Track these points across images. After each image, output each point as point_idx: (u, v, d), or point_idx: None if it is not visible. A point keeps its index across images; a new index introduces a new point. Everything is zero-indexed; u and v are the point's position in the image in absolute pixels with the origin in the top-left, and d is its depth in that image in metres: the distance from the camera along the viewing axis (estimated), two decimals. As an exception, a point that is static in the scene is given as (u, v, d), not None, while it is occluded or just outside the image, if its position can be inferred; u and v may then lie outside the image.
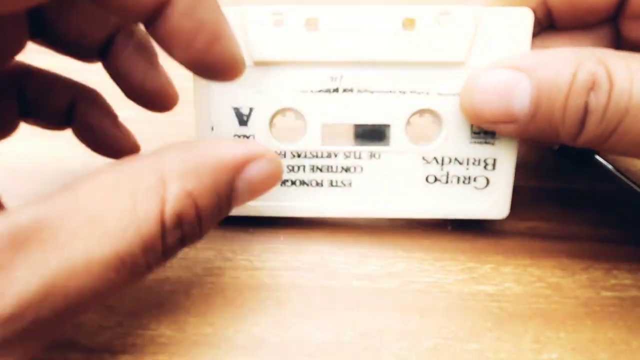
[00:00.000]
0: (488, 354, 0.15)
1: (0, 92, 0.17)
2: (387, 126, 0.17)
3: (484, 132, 0.17)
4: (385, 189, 0.18)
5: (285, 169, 0.18)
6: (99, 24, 0.17)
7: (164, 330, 0.15)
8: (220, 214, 0.13)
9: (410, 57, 0.16)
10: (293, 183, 0.18)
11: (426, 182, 0.18)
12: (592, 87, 0.14)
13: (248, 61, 0.16)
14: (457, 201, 0.18)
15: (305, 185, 0.18)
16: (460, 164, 0.17)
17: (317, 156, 0.18)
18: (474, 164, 0.17)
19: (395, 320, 0.16)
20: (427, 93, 0.17)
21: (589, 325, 0.16)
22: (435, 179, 0.18)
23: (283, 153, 0.18)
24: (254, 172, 0.13)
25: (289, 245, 0.18)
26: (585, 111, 0.14)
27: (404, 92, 0.17)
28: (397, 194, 0.18)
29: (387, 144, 0.17)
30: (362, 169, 0.18)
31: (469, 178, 0.18)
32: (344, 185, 0.18)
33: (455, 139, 0.17)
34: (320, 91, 0.17)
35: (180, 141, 0.13)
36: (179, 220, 0.12)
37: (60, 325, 0.12)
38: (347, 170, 0.18)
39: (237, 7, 0.15)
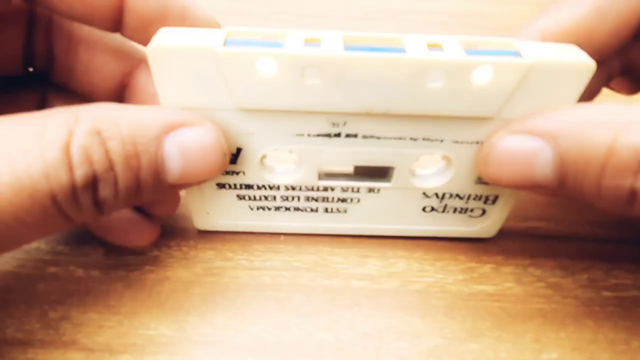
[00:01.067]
0: (488, 354, 0.15)
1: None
2: (392, 168, 0.16)
3: None
4: (381, 216, 0.18)
5: (279, 199, 0.17)
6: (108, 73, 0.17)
7: (164, 330, 0.15)
8: (143, 173, 0.12)
9: (431, 110, 0.14)
10: (287, 209, 0.18)
11: (422, 212, 0.18)
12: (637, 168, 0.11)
13: (230, 106, 0.14)
14: (449, 225, 0.18)
15: (299, 211, 0.18)
16: (461, 199, 0.17)
17: (313, 189, 0.17)
18: (474, 199, 0.17)
19: (395, 320, 0.16)
20: (442, 141, 0.15)
21: (589, 325, 0.16)
22: (432, 209, 0.17)
23: (277, 186, 0.16)
24: (186, 135, 0.13)
25: (289, 245, 0.18)
26: (633, 194, 0.11)
27: (415, 139, 0.15)
28: (391, 219, 0.18)
29: (389, 181, 0.16)
30: (359, 200, 0.17)
31: (467, 209, 0.17)
32: (339, 212, 0.18)
33: (461, 180, 0.16)
34: (318, 135, 0.15)
35: None
36: (86, 156, 0.11)
37: None
38: (343, 201, 0.17)
39: (209, 48, 0.12)
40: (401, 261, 0.18)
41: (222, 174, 0.16)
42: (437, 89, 0.13)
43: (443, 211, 0.17)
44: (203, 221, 0.18)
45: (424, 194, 0.17)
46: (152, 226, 0.17)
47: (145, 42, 0.14)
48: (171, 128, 0.13)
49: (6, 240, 0.11)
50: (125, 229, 0.17)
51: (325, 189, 0.17)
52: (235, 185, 0.16)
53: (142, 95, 0.16)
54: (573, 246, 0.18)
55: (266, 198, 0.17)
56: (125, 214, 0.17)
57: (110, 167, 0.12)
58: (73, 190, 0.11)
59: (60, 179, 0.11)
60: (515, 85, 0.13)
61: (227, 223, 0.18)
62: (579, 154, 0.12)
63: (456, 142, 0.15)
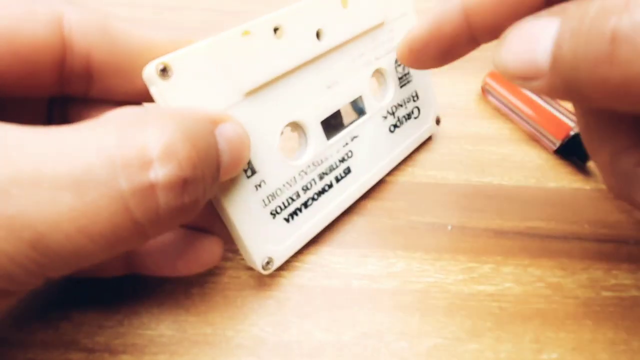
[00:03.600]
0: (488, 354, 0.15)
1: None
2: (360, 97, 0.19)
3: (403, 74, 0.21)
4: (372, 157, 0.20)
5: (302, 192, 0.17)
6: None
7: (164, 330, 0.15)
8: (215, 166, 0.12)
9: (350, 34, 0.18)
10: (312, 199, 0.18)
11: (390, 134, 0.21)
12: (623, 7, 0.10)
13: (237, 96, 0.15)
14: (410, 135, 0.22)
15: (321, 195, 0.18)
16: (401, 106, 0.21)
17: (321, 162, 0.18)
18: (407, 101, 0.21)
19: (395, 320, 0.16)
20: (376, 58, 0.19)
21: (589, 325, 0.16)
22: (395, 127, 0.21)
23: (294, 178, 0.17)
24: (228, 129, 0.13)
25: (289, 245, 0.18)
26: (614, 38, 0.10)
27: (358, 59, 0.19)
28: (378, 156, 0.20)
29: (365, 112, 0.19)
30: (351, 152, 0.19)
31: (410, 114, 0.21)
32: (346, 174, 0.19)
33: (394, 89, 0.21)
34: (313, 93, 0.17)
35: None
36: (173, 155, 0.11)
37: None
38: (343, 160, 0.19)
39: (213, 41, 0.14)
40: (401, 261, 0.18)
41: (247, 193, 0.15)
42: (349, 12, 0.18)
43: (400, 124, 0.21)
44: (258, 255, 0.16)
45: (384, 117, 0.20)
46: (214, 242, 0.16)
47: (90, 92, 0.14)
48: (216, 123, 0.13)
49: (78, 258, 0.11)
50: (179, 250, 0.15)
51: (327, 158, 0.18)
52: (264, 201, 0.16)
53: None
54: (573, 246, 0.18)
55: (292, 199, 0.17)
56: (174, 234, 0.15)
57: (195, 165, 0.11)
58: (154, 192, 0.11)
59: (141, 179, 0.10)
60: None
61: (277, 249, 0.17)
62: (578, 15, 0.11)
63: (377, 57, 0.19)
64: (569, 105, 0.23)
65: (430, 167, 0.22)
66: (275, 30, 0.15)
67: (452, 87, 0.27)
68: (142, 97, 0.14)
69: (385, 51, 0.20)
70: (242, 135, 0.14)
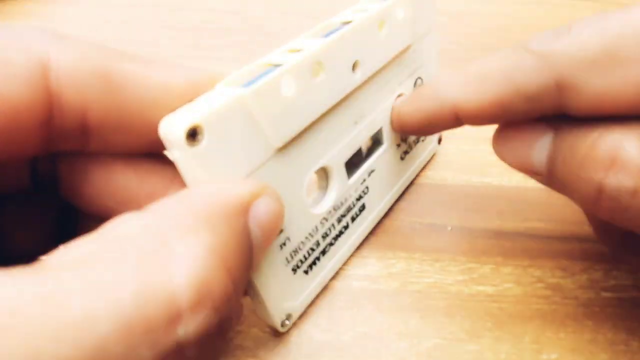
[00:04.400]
0: (488, 354, 0.15)
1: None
2: (380, 129, 0.18)
3: None
4: (384, 188, 0.19)
5: (321, 240, 0.16)
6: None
7: (164, 331, 0.15)
8: (248, 267, 0.11)
9: (385, 59, 0.17)
10: (330, 244, 0.16)
11: (401, 161, 0.20)
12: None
13: (268, 153, 0.13)
14: (418, 158, 0.21)
15: (338, 237, 0.17)
16: None
17: (340, 205, 0.16)
18: None
19: (395, 320, 0.16)
20: (400, 83, 0.18)
21: (589, 326, 0.16)
22: (406, 152, 0.20)
23: (315, 228, 0.15)
24: (261, 210, 0.11)
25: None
26: (599, 190, 0.12)
27: (384, 88, 0.17)
28: (389, 186, 0.19)
29: (383, 143, 0.18)
30: (367, 187, 0.18)
31: (419, 138, 0.20)
32: (361, 211, 0.18)
33: None
34: (340, 133, 0.16)
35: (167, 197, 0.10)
36: (203, 297, 0.08)
37: None
38: (359, 198, 0.17)
39: (237, 97, 0.11)
40: (401, 262, 0.18)
41: (272, 254, 0.14)
42: (384, 38, 0.16)
43: (410, 149, 0.20)
44: (278, 314, 0.15)
45: (398, 145, 0.19)
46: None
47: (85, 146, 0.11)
48: (249, 205, 0.11)
49: None
50: None
51: (346, 199, 0.17)
52: (287, 259, 0.15)
53: None
54: (573, 247, 0.18)
55: (313, 250, 0.16)
56: None
57: (230, 297, 0.09)
58: (181, 351, 0.08)
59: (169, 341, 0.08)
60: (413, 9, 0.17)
61: (296, 304, 0.15)
62: (569, 144, 0.12)
63: (401, 82, 0.18)
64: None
65: (430, 167, 0.22)
66: (314, 69, 0.13)
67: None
68: (151, 149, 0.12)
69: (408, 74, 0.18)
70: (276, 210, 0.11)
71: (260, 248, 0.11)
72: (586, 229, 0.19)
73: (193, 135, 0.10)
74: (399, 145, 0.19)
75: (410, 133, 0.18)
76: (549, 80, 0.12)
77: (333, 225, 0.16)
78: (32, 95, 0.10)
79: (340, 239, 0.17)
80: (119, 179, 0.12)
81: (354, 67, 0.15)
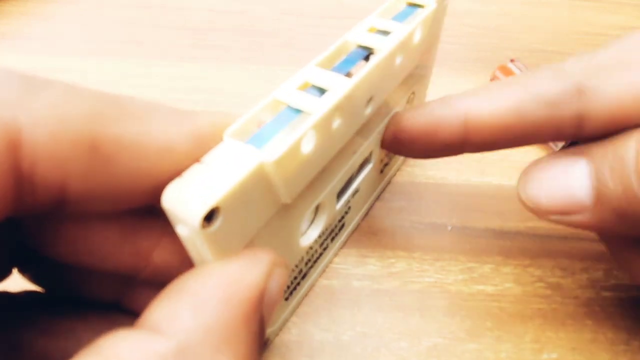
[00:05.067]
0: (488, 354, 0.15)
1: None
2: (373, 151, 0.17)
3: None
4: (362, 200, 0.18)
5: (304, 266, 0.16)
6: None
7: (164, 330, 0.15)
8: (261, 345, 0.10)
9: (394, 84, 0.16)
10: (311, 267, 0.16)
11: (380, 173, 0.19)
12: None
13: (275, 209, 0.12)
14: (394, 168, 0.21)
15: (319, 259, 0.17)
16: None
17: (326, 230, 0.16)
18: None
19: (396, 319, 0.16)
20: (394, 105, 0.17)
21: (589, 325, 0.16)
22: (385, 166, 0.19)
23: (303, 259, 0.15)
24: (273, 291, 0.10)
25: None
26: None
27: (383, 111, 0.16)
28: (367, 198, 0.19)
29: (371, 161, 0.17)
30: (350, 207, 0.17)
31: None
32: (340, 229, 0.17)
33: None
34: (339, 171, 0.15)
35: (173, 285, 0.09)
36: None
37: None
38: (342, 219, 0.17)
39: (257, 167, 0.10)
40: (401, 261, 0.18)
41: None
42: (398, 66, 0.15)
43: (389, 160, 0.20)
44: None
45: (380, 160, 0.18)
46: None
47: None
48: (264, 294, 0.10)
49: None
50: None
51: (330, 224, 0.16)
52: None
53: (168, 272, 0.11)
54: (573, 246, 0.18)
55: (296, 278, 0.15)
56: None
57: None
58: None
59: None
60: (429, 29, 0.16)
61: (274, 328, 0.15)
62: (614, 156, 0.11)
63: (397, 101, 0.17)
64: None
65: (430, 167, 0.22)
66: (335, 116, 0.12)
67: (455, 88, 0.27)
68: (141, 204, 0.10)
69: (404, 93, 0.17)
70: (284, 280, 0.11)
71: (268, 323, 0.10)
72: (586, 228, 0.19)
73: (210, 218, 0.09)
74: (381, 160, 0.19)
75: (402, 145, 0.15)
76: (569, 85, 0.12)
77: (316, 250, 0.16)
78: None
79: (319, 260, 0.17)
80: (99, 236, 0.11)
81: (368, 102, 0.14)
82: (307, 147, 0.11)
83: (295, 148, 0.11)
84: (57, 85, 0.09)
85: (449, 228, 0.19)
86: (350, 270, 0.17)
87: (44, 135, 0.08)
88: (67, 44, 0.29)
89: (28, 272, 0.12)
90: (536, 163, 0.13)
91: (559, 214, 0.13)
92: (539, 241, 0.19)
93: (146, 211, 0.11)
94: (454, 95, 0.14)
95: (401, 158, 0.21)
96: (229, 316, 0.09)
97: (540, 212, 0.13)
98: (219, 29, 0.31)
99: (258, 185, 0.10)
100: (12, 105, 0.08)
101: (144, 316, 0.09)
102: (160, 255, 0.11)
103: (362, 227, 0.19)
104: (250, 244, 0.11)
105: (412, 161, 0.22)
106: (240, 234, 0.10)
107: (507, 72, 0.25)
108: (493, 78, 0.26)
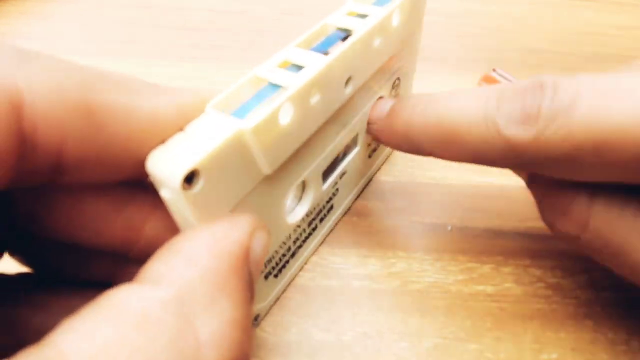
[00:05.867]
0: (488, 354, 0.15)
1: None
2: (358, 133, 0.17)
3: (395, 96, 0.19)
4: (351, 185, 0.19)
5: (292, 244, 0.16)
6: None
7: (164, 330, 0.15)
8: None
9: (377, 66, 0.16)
10: (299, 247, 0.17)
11: (368, 158, 0.20)
12: None
13: (258, 179, 0.12)
14: (381, 154, 0.21)
15: (308, 238, 0.17)
16: None
17: (312, 211, 0.16)
18: None
19: (395, 320, 0.16)
20: (380, 87, 0.18)
21: (589, 326, 0.16)
22: (374, 151, 0.20)
23: (289, 236, 0.15)
24: (257, 249, 0.11)
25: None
26: None
27: (368, 92, 0.17)
28: (356, 182, 0.19)
29: (358, 144, 0.18)
30: (337, 189, 0.18)
31: None
32: (329, 211, 0.18)
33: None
34: (326, 146, 0.15)
35: (164, 246, 0.10)
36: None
37: None
38: (330, 200, 0.17)
39: (237, 133, 0.11)
40: (401, 261, 0.18)
41: None
42: (377, 47, 0.15)
43: (378, 146, 0.20)
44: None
45: (368, 144, 0.19)
46: None
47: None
48: (249, 251, 0.10)
49: None
50: None
51: (318, 204, 0.17)
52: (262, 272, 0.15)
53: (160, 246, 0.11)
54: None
55: (284, 255, 0.16)
56: None
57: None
58: None
59: None
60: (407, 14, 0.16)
61: (264, 304, 0.16)
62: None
63: (381, 86, 0.18)
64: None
65: (430, 167, 0.22)
66: (312, 91, 0.13)
67: (455, 87, 0.27)
68: (132, 178, 0.11)
69: (388, 77, 0.18)
70: (267, 242, 0.11)
71: (255, 281, 0.11)
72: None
73: (189, 179, 0.10)
74: (369, 145, 0.19)
75: (381, 141, 0.16)
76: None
77: (304, 229, 0.16)
78: (2, 139, 0.08)
79: (308, 240, 0.17)
80: (92, 210, 0.11)
81: (347, 82, 0.14)
82: (285, 119, 0.12)
83: (273, 118, 0.11)
84: (49, 56, 0.09)
85: (449, 228, 0.19)
86: (350, 270, 0.17)
87: (43, 98, 0.08)
88: (66, 44, 0.29)
89: (20, 254, 0.12)
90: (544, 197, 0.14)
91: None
92: (539, 241, 0.19)
93: (137, 185, 0.11)
94: (433, 98, 0.14)
95: None
96: (219, 268, 0.09)
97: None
98: (219, 29, 0.31)
99: (237, 153, 0.11)
100: (11, 71, 0.08)
101: (140, 273, 0.09)
102: (152, 228, 0.12)
103: (362, 227, 0.19)
104: (233, 212, 0.11)
105: (412, 161, 0.22)
106: (222, 201, 0.11)
107: (490, 81, 0.25)
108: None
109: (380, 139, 0.16)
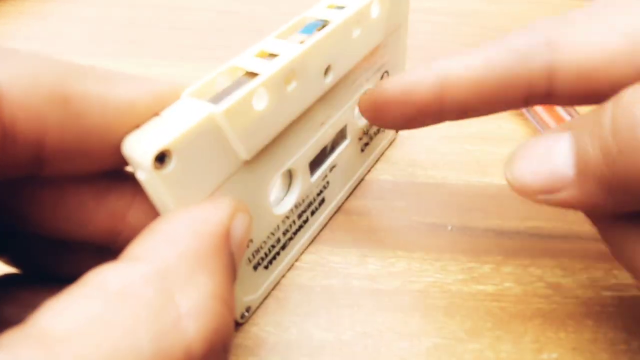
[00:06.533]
0: (488, 354, 0.15)
1: None
2: (345, 126, 0.18)
3: None
4: (343, 180, 0.19)
5: (282, 236, 0.16)
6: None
7: (164, 330, 0.15)
8: (234, 284, 0.11)
9: (358, 58, 0.16)
10: (290, 239, 0.17)
11: (361, 153, 0.20)
12: None
13: (236, 167, 0.12)
14: (375, 149, 0.21)
15: (298, 231, 0.17)
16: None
17: (303, 201, 0.17)
18: None
19: (395, 320, 0.16)
20: (367, 79, 0.18)
21: (589, 325, 0.16)
22: (366, 145, 0.20)
23: (277, 226, 0.16)
24: (238, 230, 0.11)
25: (288, 245, 0.18)
26: None
27: (352, 85, 0.17)
28: (349, 176, 0.20)
29: (347, 137, 0.18)
30: (328, 182, 0.18)
31: (379, 129, 0.21)
32: (320, 205, 0.18)
33: None
34: (307, 136, 0.15)
35: (145, 229, 0.10)
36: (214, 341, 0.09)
37: None
38: (320, 193, 0.18)
39: (207, 117, 0.11)
40: (401, 261, 0.18)
41: None
42: (357, 38, 0.15)
43: (370, 140, 0.20)
44: (238, 308, 0.15)
45: (359, 138, 0.19)
46: None
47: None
48: (229, 231, 0.11)
49: None
50: None
51: (307, 196, 0.17)
52: (249, 258, 0.15)
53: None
54: (573, 246, 0.18)
55: (273, 247, 0.16)
56: None
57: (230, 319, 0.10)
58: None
59: None
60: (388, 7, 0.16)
61: (255, 297, 0.16)
62: (590, 126, 0.11)
63: (368, 78, 0.18)
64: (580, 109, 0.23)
65: (430, 167, 0.22)
66: (287, 77, 0.13)
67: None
68: (112, 166, 0.11)
69: (375, 70, 0.18)
70: (248, 224, 0.11)
71: (238, 263, 0.11)
72: (587, 227, 0.19)
73: (161, 159, 0.10)
74: (360, 139, 0.19)
75: (380, 120, 0.15)
76: (539, 37, 0.12)
77: (294, 221, 0.17)
78: None
79: (299, 233, 0.17)
80: (74, 201, 0.11)
81: (326, 71, 0.14)
82: (260, 104, 0.12)
83: (246, 102, 0.11)
84: (26, 52, 0.09)
85: (449, 228, 0.19)
86: (350, 270, 0.17)
87: (21, 90, 0.09)
88: (66, 44, 0.29)
89: (4, 252, 0.12)
90: (523, 144, 0.13)
91: (545, 192, 0.12)
92: (539, 241, 0.19)
93: (118, 175, 0.12)
94: (432, 60, 0.14)
95: (386, 139, 0.22)
96: (199, 246, 0.09)
97: (527, 193, 0.12)
98: (219, 29, 0.30)
99: (211, 136, 0.11)
100: None
101: (122, 254, 0.09)
102: (134, 217, 0.12)
103: (362, 226, 0.19)
104: (213, 197, 0.12)
105: (412, 161, 0.22)
106: (199, 184, 0.11)
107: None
108: None
109: (374, 119, 0.15)
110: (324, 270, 0.17)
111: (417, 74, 0.14)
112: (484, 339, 0.15)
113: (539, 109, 0.23)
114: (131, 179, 0.11)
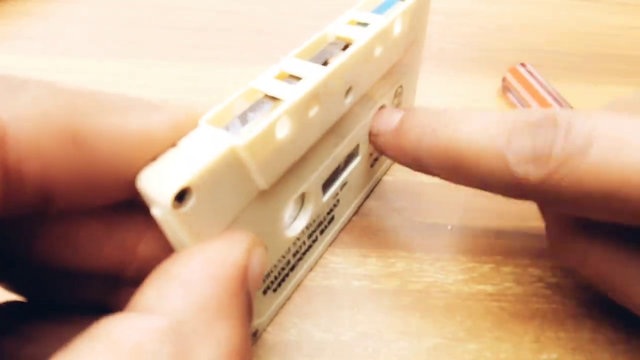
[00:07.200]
0: (488, 354, 0.15)
1: None
2: (358, 145, 0.17)
3: (397, 104, 0.19)
4: (352, 195, 0.19)
5: (292, 258, 0.16)
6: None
7: (164, 330, 0.15)
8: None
9: (378, 76, 0.16)
10: (300, 259, 0.16)
11: (370, 168, 0.19)
12: None
13: (254, 195, 0.12)
14: (383, 164, 0.20)
15: (307, 251, 0.17)
16: None
17: (313, 223, 0.16)
18: None
19: (396, 319, 0.16)
20: (382, 95, 0.17)
21: (589, 325, 0.16)
22: (375, 160, 0.19)
23: (288, 249, 0.15)
24: (255, 268, 0.10)
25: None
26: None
27: (368, 103, 0.16)
28: (358, 192, 0.19)
29: (359, 155, 0.17)
30: (338, 200, 0.17)
31: None
32: (329, 223, 0.18)
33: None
34: (324, 159, 0.15)
35: (157, 271, 0.09)
36: None
37: None
38: (330, 211, 0.17)
39: (229, 150, 0.10)
40: (401, 261, 0.18)
41: None
42: (378, 56, 0.15)
43: (379, 156, 0.20)
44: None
45: (370, 154, 0.18)
46: None
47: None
48: (246, 272, 0.10)
49: None
50: None
51: (318, 216, 0.16)
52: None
53: (154, 268, 0.10)
54: (573, 246, 0.18)
55: (283, 269, 0.15)
56: None
57: None
58: None
59: None
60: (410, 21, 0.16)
61: (263, 319, 0.15)
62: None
63: (383, 94, 0.17)
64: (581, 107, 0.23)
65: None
66: (311, 103, 0.12)
67: (473, 86, 0.26)
68: (125, 198, 0.10)
69: (390, 86, 0.17)
70: (264, 259, 0.11)
71: (254, 299, 0.11)
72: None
73: (181, 198, 0.09)
74: (371, 154, 0.18)
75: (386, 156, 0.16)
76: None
77: (304, 242, 0.16)
78: None
79: (308, 252, 0.17)
80: (83, 234, 0.11)
81: (347, 92, 0.14)
82: (282, 133, 0.11)
83: (269, 133, 0.11)
84: (34, 83, 0.09)
85: (449, 228, 0.19)
86: (350, 270, 0.17)
87: (27, 130, 0.08)
88: (67, 44, 0.29)
89: (9, 281, 0.12)
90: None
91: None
92: (539, 241, 0.19)
93: (129, 205, 0.11)
94: (444, 119, 0.14)
95: None
96: (216, 293, 0.09)
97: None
98: (219, 29, 0.30)
99: (231, 169, 0.10)
100: None
101: (132, 301, 0.09)
102: (145, 249, 0.11)
103: (362, 226, 0.19)
104: (229, 229, 0.11)
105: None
106: (216, 218, 0.11)
107: (516, 75, 0.25)
108: (504, 80, 0.25)
109: (386, 154, 0.16)
110: (324, 271, 0.17)
111: (429, 146, 0.14)
112: (484, 339, 0.15)
113: (522, 90, 0.24)
114: (144, 210, 0.10)
